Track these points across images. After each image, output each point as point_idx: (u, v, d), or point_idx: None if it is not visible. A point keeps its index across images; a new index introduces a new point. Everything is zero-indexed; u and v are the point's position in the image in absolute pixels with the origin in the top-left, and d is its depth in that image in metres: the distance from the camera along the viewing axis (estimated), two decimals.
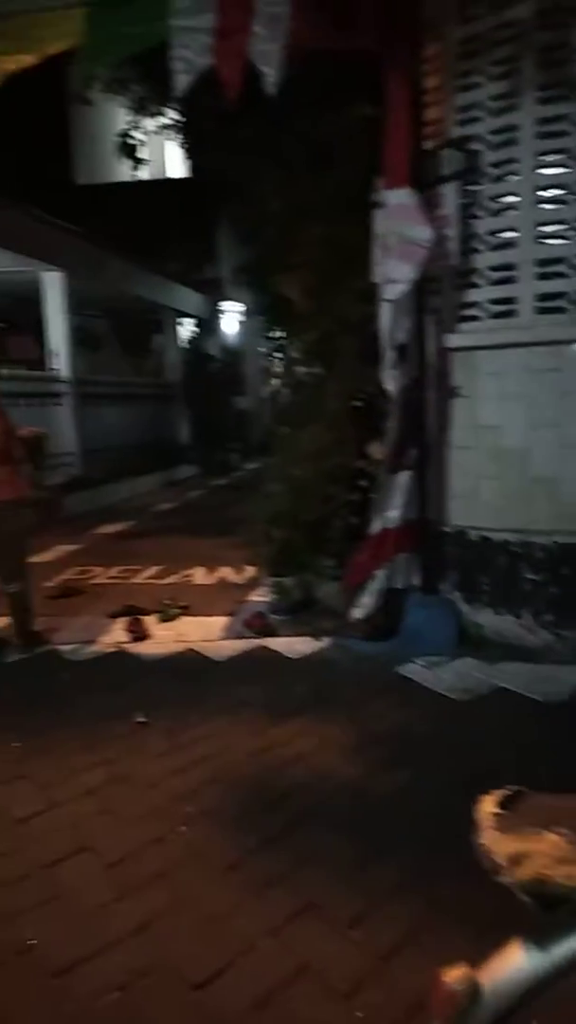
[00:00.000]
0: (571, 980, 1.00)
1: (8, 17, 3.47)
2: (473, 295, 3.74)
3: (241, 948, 1.86)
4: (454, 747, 2.83)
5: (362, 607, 3.90)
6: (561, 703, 3.14)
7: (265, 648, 3.90)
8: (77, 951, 1.87)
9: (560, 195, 3.47)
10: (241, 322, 16.27)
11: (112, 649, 3.99)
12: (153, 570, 5.73)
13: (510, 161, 3.53)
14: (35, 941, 1.91)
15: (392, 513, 3.86)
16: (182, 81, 3.39)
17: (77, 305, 10.53)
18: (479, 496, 3.79)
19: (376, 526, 3.87)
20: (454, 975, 1.01)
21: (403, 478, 3.82)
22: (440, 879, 2.06)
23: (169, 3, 3.30)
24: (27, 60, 3.45)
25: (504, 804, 1.10)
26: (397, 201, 3.61)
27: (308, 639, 3.95)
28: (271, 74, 3.26)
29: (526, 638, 3.63)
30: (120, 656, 3.92)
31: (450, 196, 3.59)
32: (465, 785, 2.43)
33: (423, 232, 3.54)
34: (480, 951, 1.04)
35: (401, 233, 3.59)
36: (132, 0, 3.41)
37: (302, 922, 1.94)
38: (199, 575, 5.54)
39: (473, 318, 3.75)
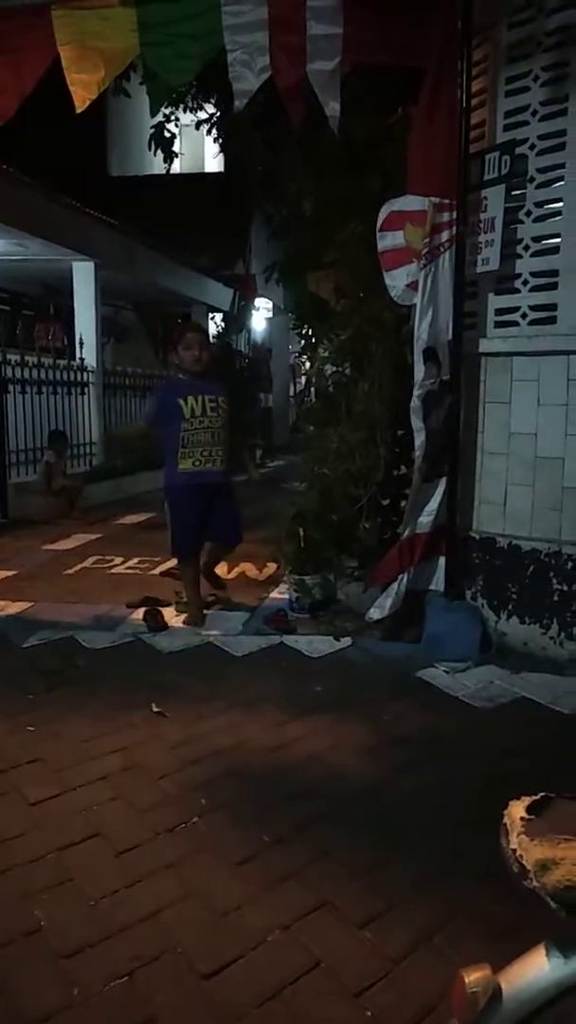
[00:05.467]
0: None
1: (60, 6, 3.49)
2: (512, 300, 3.70)
3: (251, 942, 1.84)
4: (473, 754, 2.80)
5: (380, 608, 3.88)
6: None
7: (284, 645, 3.89)
8: (86, 935, 1.87)
9: None
10: (269, 319, 16.30)
11: (130, 639, 4.00)
12: (173, 562, 5.72)
13: (557, 166, 3.48)
14: (44, 923, 1.92)
15: (424, 519, 3.84)
16: (242, 95, 3.41)
17: (107, 296, 10.59)
18: (509, 503, 3.76)
19: (407, 531, 3.85)
20: (475, 975, 0.99)
21: (438, 485, 3.80)
22: (456, 883, 2.04)
23: (219, 20, 3.32)
24: (100, 76, 3.45)
25: (533, 810, 1.08)
26: (411, 207, 3.65)
27: (328, 638, 3.93)
28: (331, 105, 3.31)
29: (552, 649, 3.59)
30: (137, 646, 3.92)
31: (494, 200, 3.56)
32: (483, 792, 2.44)
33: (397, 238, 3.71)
34: (494, 956, 1.03)
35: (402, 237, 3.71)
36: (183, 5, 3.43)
37: (314, 919, 1.92)
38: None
39: (511, 323, 3.72)
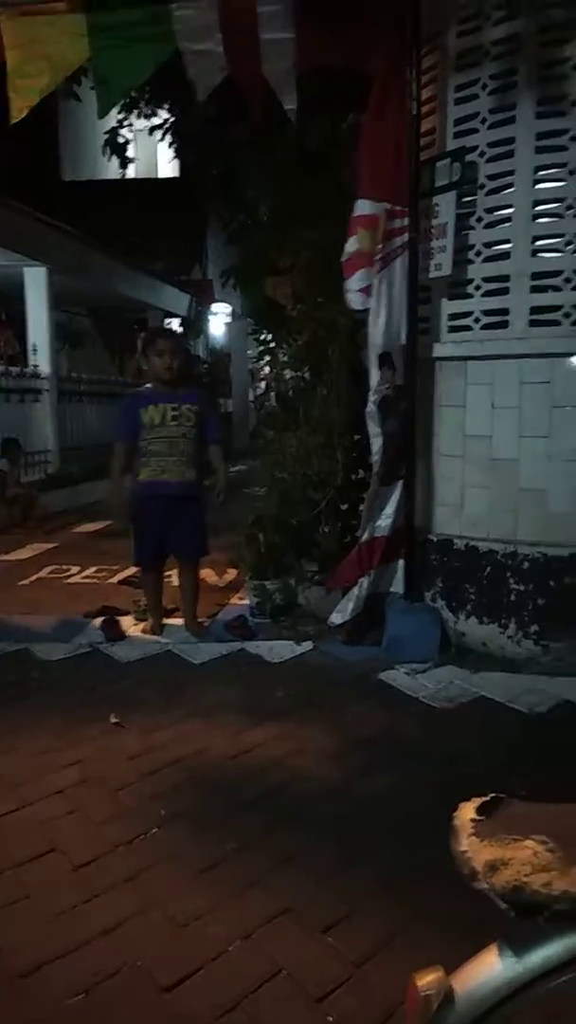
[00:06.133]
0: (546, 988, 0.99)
1: (7, 11, 3.43)
2: (464, 305, 3.75)
3: (212, 952, 1.82)
4: (434, 755, 2.82)
5: (342, 612, 3.89)
6: (543, 715, 3.14)
7: (245, 651, 3.87)
8: (43, 953, 1.83)
9: (557, 208, 3.48)
10: (228, 324, 16.26)
11: (87, 649, 3.94)
12: (131, 570, 5.66)
13: (507, 173, 3.54)
14: (0, 942, 1.87)
15: (382, 522, 3.86)
16: (204, 90, 3.39)
17: (60, 301, 10.45)
18: (466, 505, 3.80)
19: (366, 535, 3.87)
20: (427, 979, 0.99)
21: (395, 488, 3.82)
22: (417, 885, 2.04)
23: (171, 25, 3.30)
24: (44, 83, 3.39)
25: (483, 811, 1.08)
26: (363, 212, 3.67)
27: (289, 643, 3.93)
28: (288, 100, 3.31)
29: (510, 648, 3.64)
30: (95, 656, 3.87)
31: (446, 207, 3.60)
32: (444, 792, 2.43)
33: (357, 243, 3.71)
34: (456, 957, 1.03)
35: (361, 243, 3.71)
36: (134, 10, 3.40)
37: (277, 926, 1.91)
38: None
39: (464, 328, 3.76)
